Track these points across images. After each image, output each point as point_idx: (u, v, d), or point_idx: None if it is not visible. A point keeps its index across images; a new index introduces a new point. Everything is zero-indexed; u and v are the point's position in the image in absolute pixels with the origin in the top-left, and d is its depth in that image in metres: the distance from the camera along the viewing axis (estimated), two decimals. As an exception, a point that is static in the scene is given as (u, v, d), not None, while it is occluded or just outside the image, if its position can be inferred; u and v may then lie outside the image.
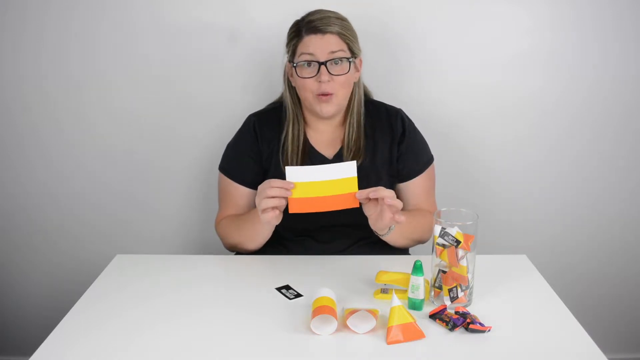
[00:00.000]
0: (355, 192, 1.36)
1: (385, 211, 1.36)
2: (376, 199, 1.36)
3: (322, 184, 1.37)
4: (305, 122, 1.65)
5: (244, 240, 1.58)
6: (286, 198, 1.38)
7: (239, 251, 1.63)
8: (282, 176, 1.56)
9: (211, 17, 1.89)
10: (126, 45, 1.91)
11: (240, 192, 1.64)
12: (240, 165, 1.65)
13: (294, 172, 1.38)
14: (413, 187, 1.64)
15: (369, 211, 1.39)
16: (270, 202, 1.37)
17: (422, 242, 1.63)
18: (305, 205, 1.38)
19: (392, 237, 1.50)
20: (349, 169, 1.37)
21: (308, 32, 1.52)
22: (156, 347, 1.16)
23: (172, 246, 2.10)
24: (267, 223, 1.42)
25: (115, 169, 2.02)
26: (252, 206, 1.62)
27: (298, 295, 1.34)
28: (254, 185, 1.58)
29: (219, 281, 1.45)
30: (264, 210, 1.38)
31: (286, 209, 1.39)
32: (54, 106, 1.96)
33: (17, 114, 1.97)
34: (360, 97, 1.64)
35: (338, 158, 1.63)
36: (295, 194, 1.37)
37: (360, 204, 1.39)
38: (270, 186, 1.37)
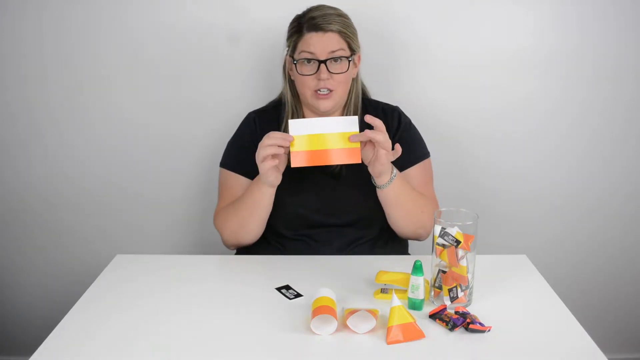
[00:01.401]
0: (357, 148, 1.40)
1: (379, 151, 1.40)
2: (372, 144, 1.41)
3: (324, 136, 1.40)
4: (304, 116, 1.66)
5: (243, 220, 1.56)
6: (285, 148, 1.41)
7: (237, 244, 1.63)
8: None
9: (211, 18, 1.89)
10: (127, 45, 1.91)
11: (239, 183, 1.64)
12: (240, 157, 1.65)
13: (296, 125, 1.41)
14: (408, 178, 1.63)
15: (366, 155, 1.44)
16: (270, 149, 1.40)
17: (420, 228, 1.60)
18: (307, 159, 1.41)
19: (390, 195, 1.51)
20: (351, 124, 1.40)
21: (309, 30, 1.54)
22: (156, 347, 1.16)
23: (172, 246, 2.10)
24: (265, 175, 1.44)
25: (115, 169, 2.02)
26: None
27: (298, 295, 1.34)
28: (253, 176, 1.60)
29: (219, 281, 1.45)
30: (263, 159, 1.42)
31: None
32: (53, 106, 1.96)
33: (17, 114, 1.97)
34: (358, 92, 1.66)
35: None
36: (297, 147, 1.40)
37: (362, 161, 1.42)
38: (269, 136, 1.41)
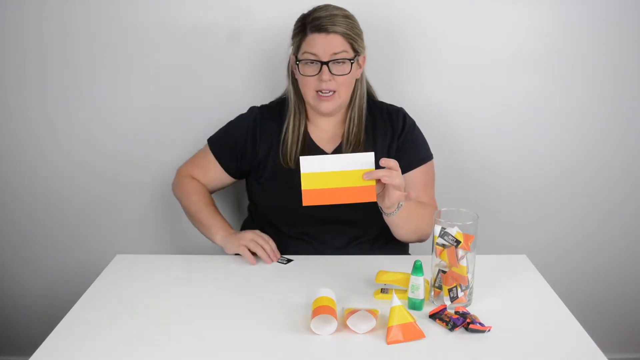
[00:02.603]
0: (373, 185, 1.33)
1: (390, 189, 1.35)
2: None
3: (338, 174, 1.32)
4: (307, 117, 1.66)
5: (193, 222, 1.71)
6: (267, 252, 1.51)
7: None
8: (280, 169, 1.59)
9: (212, 17, 1.89)
10: (127, 45, 1.91)
11: (213, 167, 1.72)
12: (225, 149, 1.70)
13: (308, 162, 1.32)
14: (410, 179, 1.63)
15: (377, 189, 1.37)
16: (258, 250, 1.51)
17: (422, 236, 1.61)
18: (319, 198, 1.33)
19: (396, 220, 1.48)
20: (366, 160, 1.32)
21: (312, 31, 1.53)
22: (156, 347, 1.16)
23: (172, 246, 2.10)
24: (231, 250, 1.54)
25: (116, 169, 2.02)
26: (217, 184, 1.74)
27: (289, 260, 1.45)
28: (229, 170, 1.70)
29: (219, 281, 1.45)
30: (243, 244, 1.51)
31: (300, 202, 1.35)
32: (53, 106, 1.96)
33: (16, 113, 1.97)
34: (362, 93, 1.65)
35: (337, 152, 1.63)
36: (309, 185, 1.32)
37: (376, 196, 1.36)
38: (265, 241, 1.52)
